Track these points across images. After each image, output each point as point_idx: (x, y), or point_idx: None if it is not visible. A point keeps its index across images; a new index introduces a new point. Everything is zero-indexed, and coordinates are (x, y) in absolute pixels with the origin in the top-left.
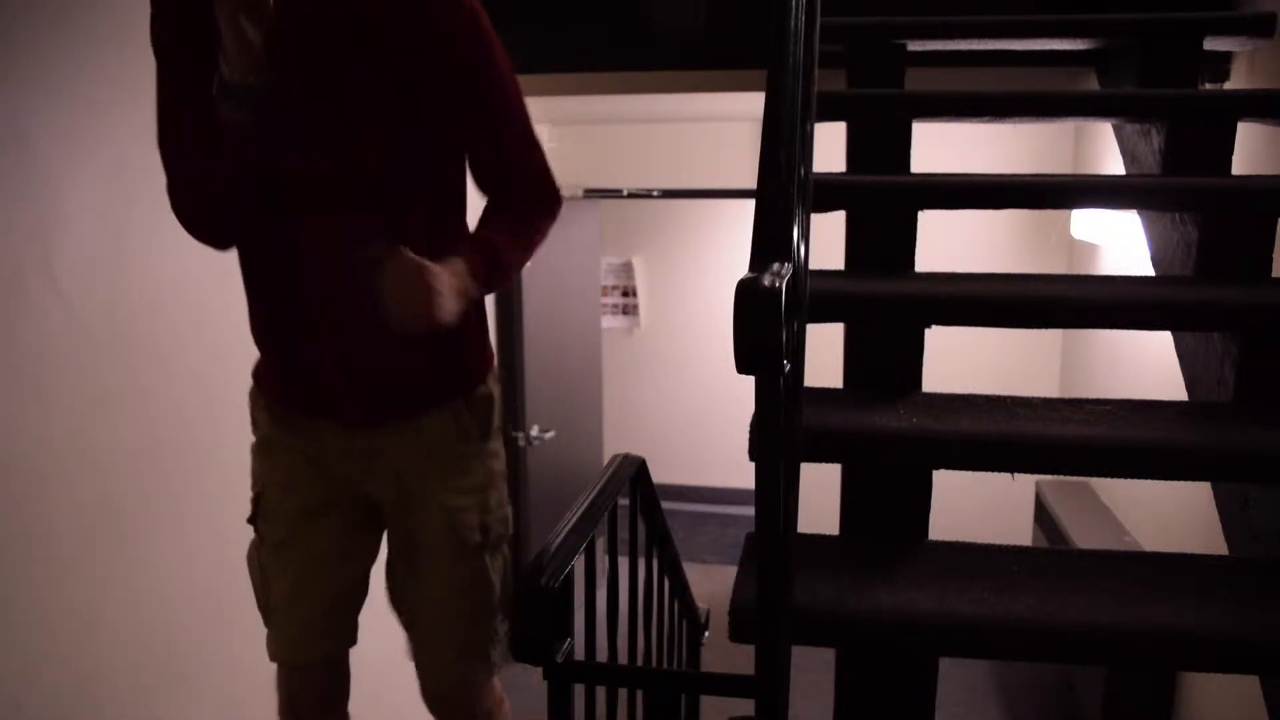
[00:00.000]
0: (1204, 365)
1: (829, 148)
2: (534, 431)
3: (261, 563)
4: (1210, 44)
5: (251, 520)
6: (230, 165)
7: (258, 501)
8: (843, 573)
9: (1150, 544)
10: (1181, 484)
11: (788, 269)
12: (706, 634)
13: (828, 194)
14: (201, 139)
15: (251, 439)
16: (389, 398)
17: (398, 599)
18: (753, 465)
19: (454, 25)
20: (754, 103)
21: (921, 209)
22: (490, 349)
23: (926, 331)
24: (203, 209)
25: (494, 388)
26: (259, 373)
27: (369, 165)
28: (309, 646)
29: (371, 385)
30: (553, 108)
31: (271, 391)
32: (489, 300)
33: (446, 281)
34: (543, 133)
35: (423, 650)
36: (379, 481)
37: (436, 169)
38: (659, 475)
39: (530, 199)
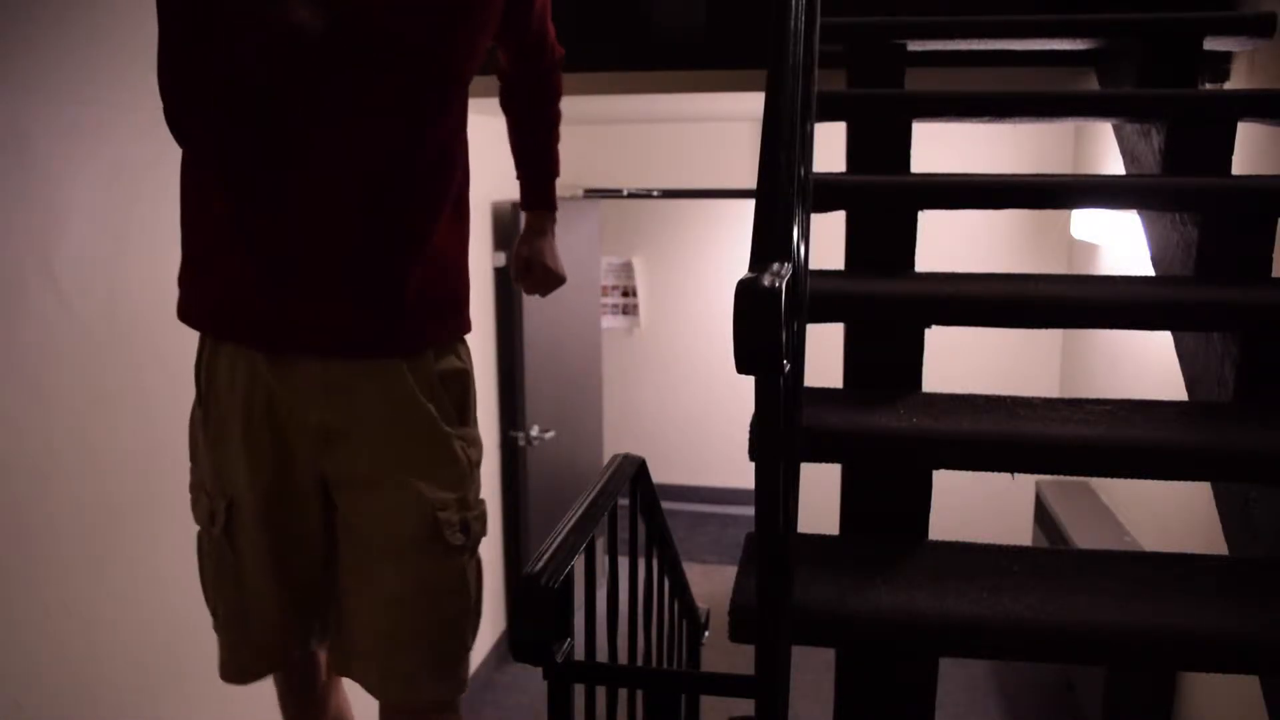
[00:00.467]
0: (1204, 365)
1: (829, 148)
2: (534, 431)
3: (234, 567)
4: (1210, 44)
5: (221, 529)
6: (247, 50)
7: (230, 512)
8: (843, 573)
9: (1150, 544)
10: (1181, 484)
11: (788, 269)
12: (706, 634)
13: (828, 194)
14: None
15: None
16: (376, 320)
17: (349, 598)
18: (753, 465)
19: None
20: (754, 103)
21: (921, 209)
22: (469, 315)
23: (926, 331)
24: (195, 88)
25: (469, 365)
26: (216, 315)
27: (405, 70)
28: (296, 648)
29: (362, 304)
30: None
31: (238, 327)
32: (489, 299)
33: (553, 247)
34: None
35: (380, 662)
36: (347, 456)
37: (465, 64)
38: (659, 475)
39: (552, 55)
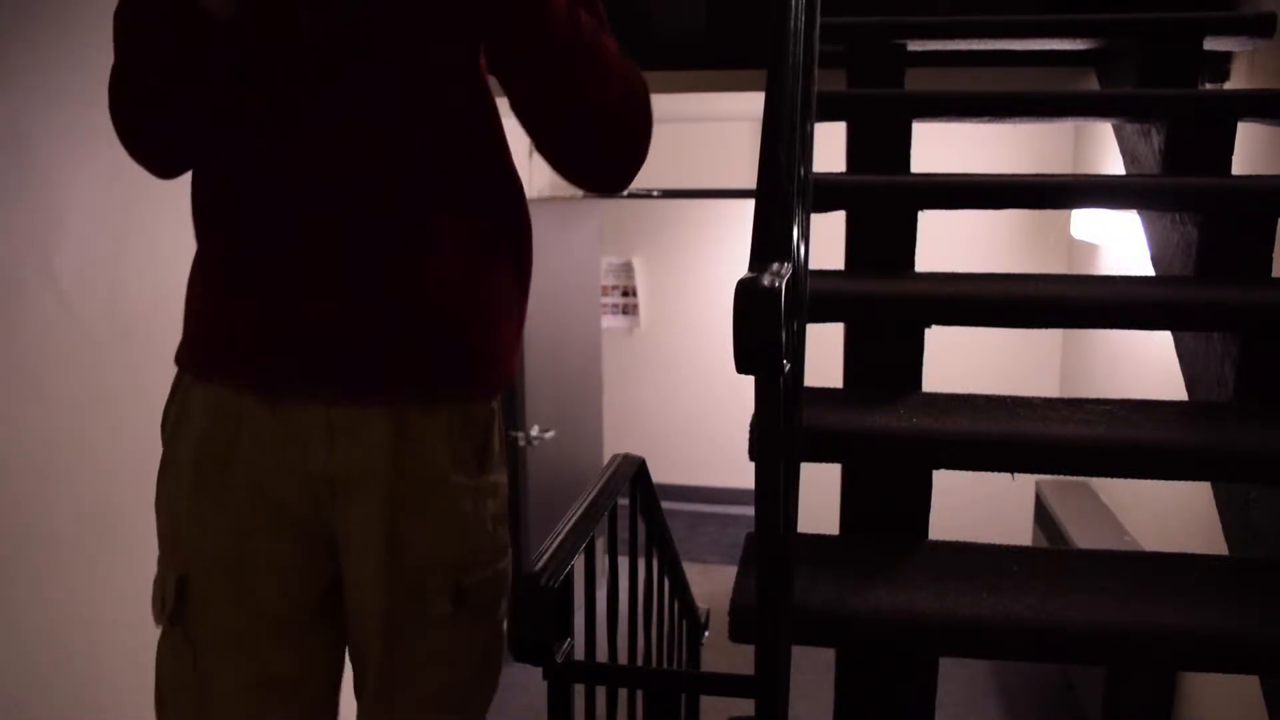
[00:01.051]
0: (1204, 365)
1: (829, 148)
2: (534, 431)
3: (200, 678)
4: (1210, 44)
5: (172, 617)
6: (215, 56)
7: (181, 589)
8: (843, 573)
9: (1150, 544)
10: (1181, 484)
11: (788, 269)
12: (706, 634)
13: (828, 194)
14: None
15: None
16: (392, 362)
17: (357, 667)
18: (753, 465)
19: None
20: (754, 103)
21: (921, 209)
22: (506, 369)
23: (926, 331)
24: (163, 110)
25: (495, 403)
26: (205, 350)
27: (408, 65)
28: None
29: (374, 343)
30: None
31: (237, 365)
32: None
33: None
34: None
35: None
36: (347, 510)
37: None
38: (659, 475)
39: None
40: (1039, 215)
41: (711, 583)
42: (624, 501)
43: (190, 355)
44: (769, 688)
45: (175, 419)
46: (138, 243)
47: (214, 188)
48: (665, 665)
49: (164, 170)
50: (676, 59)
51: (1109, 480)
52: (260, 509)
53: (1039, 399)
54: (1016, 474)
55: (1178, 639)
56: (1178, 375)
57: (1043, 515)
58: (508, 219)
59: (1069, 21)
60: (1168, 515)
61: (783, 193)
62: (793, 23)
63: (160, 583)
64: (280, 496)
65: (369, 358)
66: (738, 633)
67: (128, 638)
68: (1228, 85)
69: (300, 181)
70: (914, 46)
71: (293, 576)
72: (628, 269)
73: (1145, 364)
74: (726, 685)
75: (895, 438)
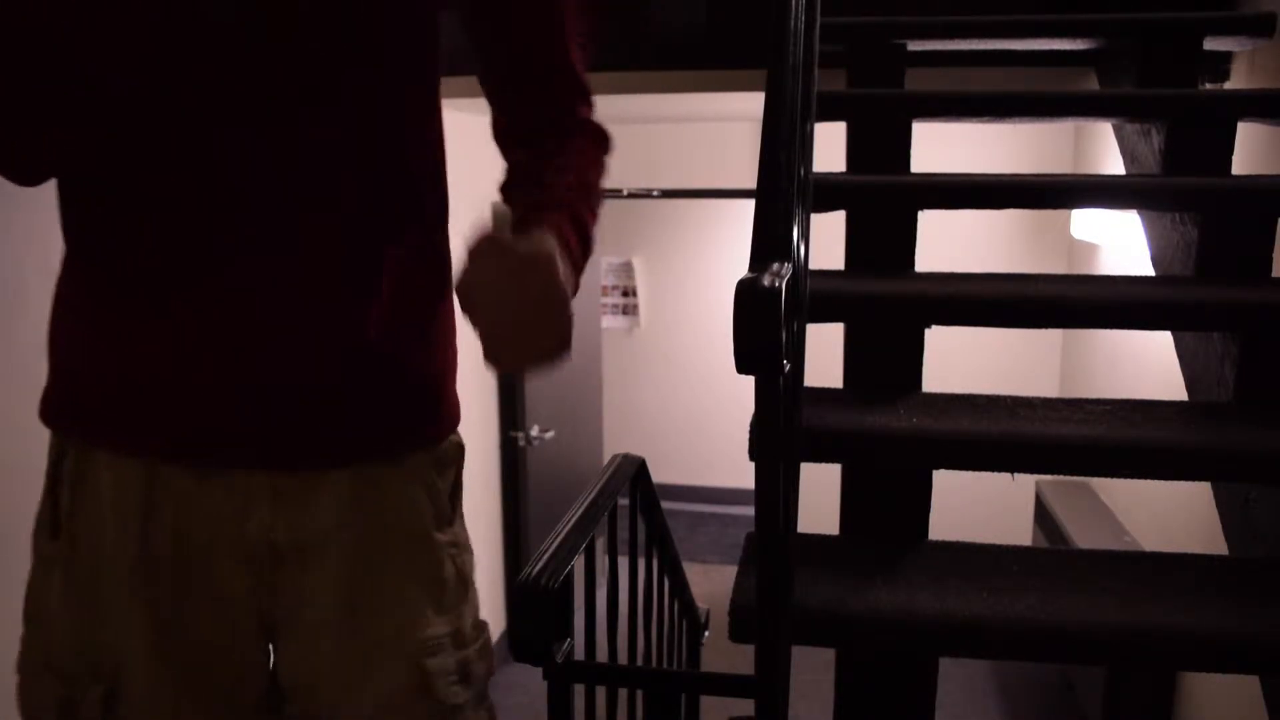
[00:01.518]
0: (1204, 365)
1: (829, 148)
2: (534, 431)
3: None
4: (1210, 44)
5: None
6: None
7: (110, 701)
8: (843, 573)
9: (1150, 544)
10: (1181, 484)
11: (788, 269)
12: (706, 634)
13: (828, 194)
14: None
15: None
16: (351, 410)
17: None
18: (753, 465)
19: None
20: (754, 103)
21: (921, 209)
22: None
23: (926, 331)
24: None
25: (460, 436)
26: (107, 413)
27: (323, 64)
28: None
29: (322, 388)
30: None
31: (154, 430)
32: None
33: (562, 272)
34: None
35: None
36: (302, 585)
37: (411, 66)
38: (659, 475)
39: (573, 106)
40: (1039, 215)
41: (711, 583)
42: (624, 501)
43: (82, 418)
44: (769, 688)
45: (71, 495)
46: None
47: (112, 204)
48: (665, 665)
49: (21, 178)
50: (676, 59)
51: (1109, 480)
52: (189, 590)
53: (1039, 399)
54: (1016, 474)
55: (1178, 639)
56: (1178, 375)
57: (1043, 515)
58: (446, 241)
59: (1069, 21)
60: (1168, 515)
61: (783, 193)
62: (793, 23)
63: (65, 684)
64: (210, 572)
65: (330, 400)
66: (738, 633)
67: None
68: (1228, 85)
69: (233, 221)
70: (914, 46)
71: (233, 664)
72: (628, 269)
73: (1145, 364)
74: (726, 685)
75: (895, 438)
